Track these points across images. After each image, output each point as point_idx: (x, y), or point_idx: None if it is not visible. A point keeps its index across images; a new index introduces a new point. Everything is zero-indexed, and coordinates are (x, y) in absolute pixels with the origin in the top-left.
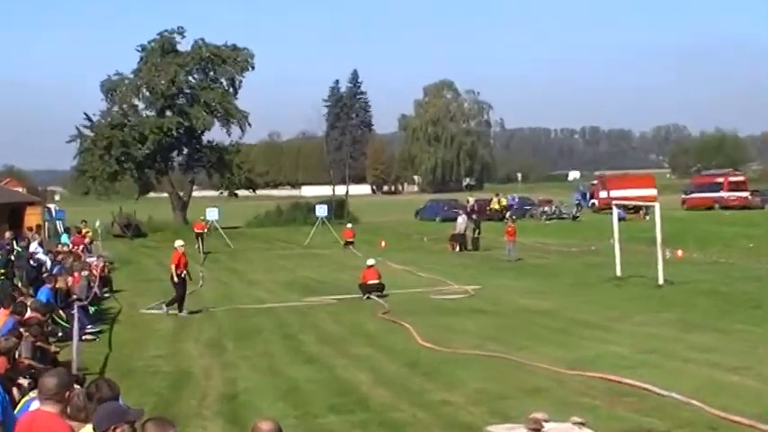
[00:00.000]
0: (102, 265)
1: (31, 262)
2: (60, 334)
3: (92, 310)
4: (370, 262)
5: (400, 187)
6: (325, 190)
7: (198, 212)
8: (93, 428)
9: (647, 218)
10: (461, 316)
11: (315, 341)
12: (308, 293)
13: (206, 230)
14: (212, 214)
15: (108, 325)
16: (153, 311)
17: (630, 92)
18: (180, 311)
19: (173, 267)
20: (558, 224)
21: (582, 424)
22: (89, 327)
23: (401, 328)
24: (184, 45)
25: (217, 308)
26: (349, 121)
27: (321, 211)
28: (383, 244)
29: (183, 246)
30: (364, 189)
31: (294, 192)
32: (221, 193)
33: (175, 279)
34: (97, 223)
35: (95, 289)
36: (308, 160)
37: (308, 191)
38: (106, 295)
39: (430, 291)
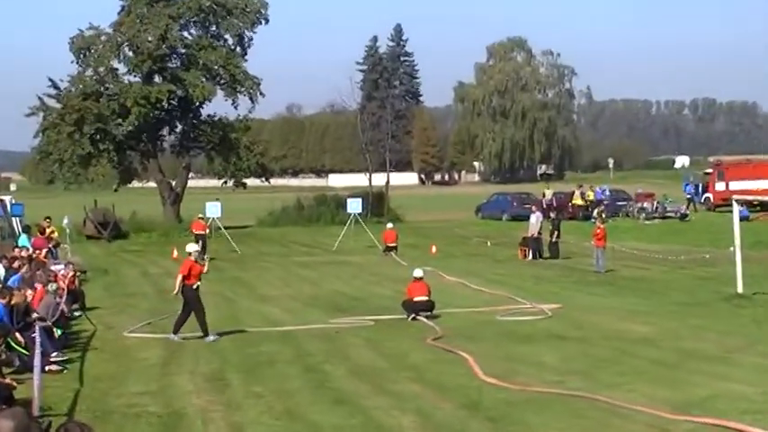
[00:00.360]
0: (71, 274)
1: None
2: (17, 364)
3: (57, 332)
4: (418, 273)
5: (456, 176)
6: (358, 179)
7: (195, 207)
8: None
9: None
10: (536, 343)
11: (345, 375)
12: (337, 313)
13: (207, 232)
14: (213, 210)
15: (79, 352)
16: (138, 335)
17: (758, 54)
18: (174, 333)
19: (180, 278)
20: (661, 225)
21: None
22: (54, 354)
23: (457, 358)
24: None
25: (218, 331)
26: (390, 91)
27: (354, 206)
28: (434, 250)
29: (197, 251)
30: (410, 178)
31: (319, 181)
32: (225, 182)
33: (182, 294)
34: (65, 221)
35: (62, 306)
36: (336, 141)
37: (337, 180)
38: (76, 314)
39: (495, 310)
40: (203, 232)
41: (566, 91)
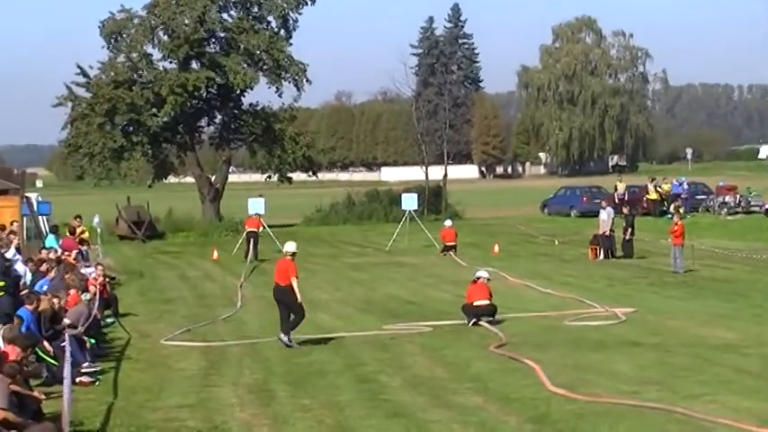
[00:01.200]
0: (102, 278)
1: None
2: (46, 375)
3: (89, 342)
4: (480, 274)
5: (520, 169)
6: (413, 173)
7: (236, 204)
8: None
9: None
10: (608, 351)
11: (401, 386)
12: (392, 318)
13: (260, 229)
14: (256, 207)
15: (112, 362)
16: (176, 343)
17: None
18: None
19: (295, 282)
20: (744, 221)
21: None
22: (86, 365)
23: (523, 367)
24: None
25: (263, 339)
26: (448, 77)
27: (409, 202)
28: (497, 249)
29: (292, 251)
30: (470, 171)
31: (371, 175)
32: (269, 177)
33: (299, 296)
34: (96, 220)
35: (95, 311)
36: (390, 131)
37: (391, 174)
38: (109, 321)
39: (563, 315)
40: (256, 230)
41: (639, 75)
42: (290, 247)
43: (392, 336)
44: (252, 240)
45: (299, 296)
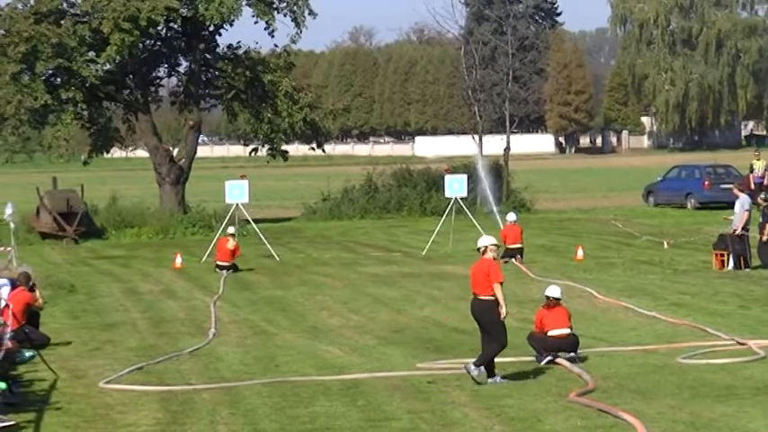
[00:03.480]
0: (17, 293)
1: None
2: None
3: (0, 386)
4: (553, 292)
5: (614, 140)
6: (461, 145)
7: (207, 189)
8: None
9: None
10: (739, 400)
11: None
12: (430, 353)
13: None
14: (236, 193)
15: (31, 414)
16: (122, 387)
17: None
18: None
19: (499, 290)
20: None
21: None
22: None
23: (618, 423)
24: None
25: (245, 382)
26: (511, 8)
27: (455, 187)
28: (580, 254)
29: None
30: (543, 143)
31: (400, 148)
32: (254, 150)
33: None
34: (7, 210)
35: (5, 341)
36: (427, 86)
37: (429, 146)
38: (27, 354)
39: (676, 349)
40: (228, 263)
41: None
42: (487, 240)
43: (431, 379)
44: (223, 279)
45: (503, 311)
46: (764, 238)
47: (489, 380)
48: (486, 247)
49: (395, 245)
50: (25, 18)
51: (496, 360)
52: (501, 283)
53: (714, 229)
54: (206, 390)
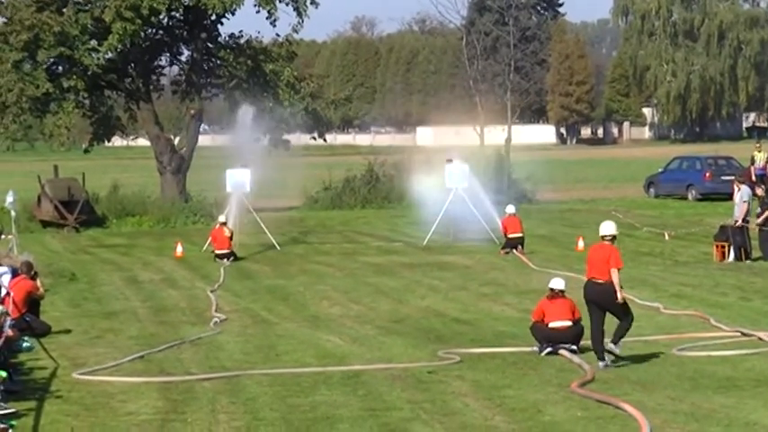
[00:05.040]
0: (18, 281)
1: None
2: None
3: (1, 374)
4: (557, 284)
5: (615, 131)
6: (462, 135)
7: (208, 178)
8: None
9: None
10: (740, 392)
11: None
12: (431, 344)
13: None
14: (238, 182)
15: (31, 403)
16: (123, 379)
17: None
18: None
19: (615, 275)
20: None
21: None
22: None
23: (618, 414)
24: None
25: (247, 371)
26: None
27: (456, 177)
28: (581, 244)
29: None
30: (544, 133)
31: (402, 138)
32: (256, 140)
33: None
34: (8, 198)
35: (6, 328)
36: (429, 76)
37: (430, 136)
38: (26, 344)
39: (676, 340)
40: (227, 250)
41: None
42: (609, 228)
43: (431, 369)
44: (224, 268)
45: (619, 294)
46: (762, 228)
47: (600, 363)
48: (614, 236)
49: (396, 234)
50: (27, 6)
51: (497, 350)
52: (619, 270)
53: (715, 220)
54: (207, 379)
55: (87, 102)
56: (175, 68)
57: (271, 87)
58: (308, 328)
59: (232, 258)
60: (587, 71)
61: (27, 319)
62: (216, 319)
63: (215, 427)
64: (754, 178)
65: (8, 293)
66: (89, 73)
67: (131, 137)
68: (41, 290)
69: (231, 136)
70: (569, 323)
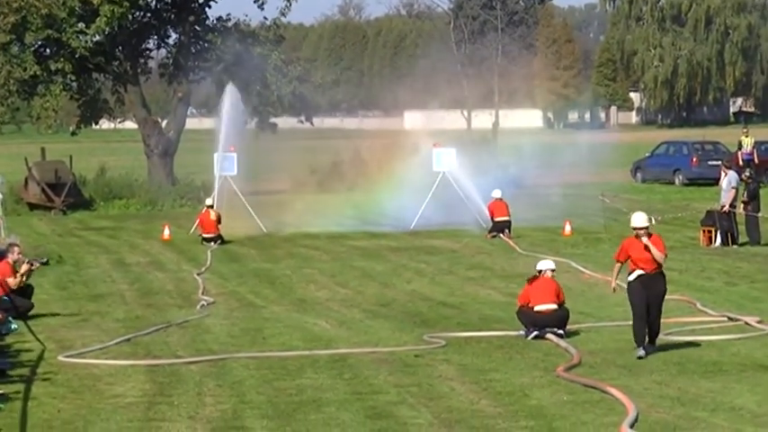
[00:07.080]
0: (27, 264)
1: None
2: None
3: None
4: (545, 266)
5: (602, 115)
6: (450, 119)
7: (196, 161)
8: None
9: None
10: (726, 376)
11: (431, 424)
12: (418, 327)
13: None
14: (226, 165)
15: (18, 386)
16: (110, 362)
17: None
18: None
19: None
20: None
21: None
22: None
23: (604, 398)
24: None
25: (234, 354)
26: None
27: (444, 160)
28: (568, 229)
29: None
30: (531, 118)
31: (389, 122)
32: (244, 123)
33: None
34: None
35: None
36: (417, 60)
37: (418, 120)
38: (12, 326)
39: (662, 323)
40: (214, 234)
41: None
42: (640, 220)
43: (418, 352)
44: (211, 251)
45: (613, 283)
46: (747, 213)
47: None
48: (646, 228)
49: (383, 217)
50: None
51: (484, 334)
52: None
53: (702, 205)
54: (193, 362)
55: (75, 84)
56: (163, 51)
57: (258, 70)
58: (293, 311)
59: (219, 241)
60: (574, 56)
61: (10, 297)
62: (203, 303)
63: (201, 409)
64: (741, 163)
65: None
66: (77, 56)
67: (119, 120)
68: (17, 279)
69: (217, 119)
70: (554, 306)
